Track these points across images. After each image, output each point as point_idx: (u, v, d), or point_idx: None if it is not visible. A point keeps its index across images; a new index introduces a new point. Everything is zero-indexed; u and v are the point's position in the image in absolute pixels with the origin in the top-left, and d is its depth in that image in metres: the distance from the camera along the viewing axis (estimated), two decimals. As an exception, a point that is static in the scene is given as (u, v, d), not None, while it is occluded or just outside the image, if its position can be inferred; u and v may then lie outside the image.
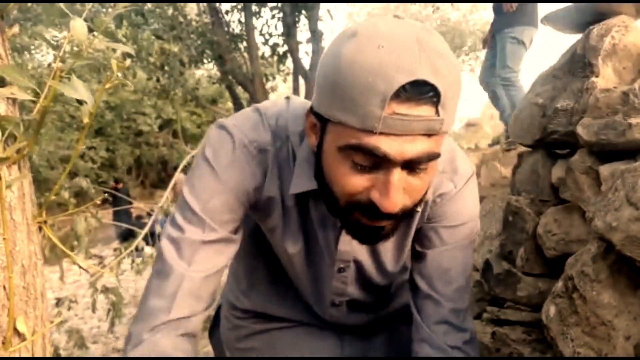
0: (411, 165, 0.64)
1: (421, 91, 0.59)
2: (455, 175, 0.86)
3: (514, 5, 3.42)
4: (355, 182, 0.66)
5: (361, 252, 0.89)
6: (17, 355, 0.86)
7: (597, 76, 1.35)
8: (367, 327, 1.06)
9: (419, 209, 0.83)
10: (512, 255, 1.61)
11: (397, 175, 0.64)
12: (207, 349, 3.55)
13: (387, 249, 0.90)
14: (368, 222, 0.69)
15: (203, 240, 0.77)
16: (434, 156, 0.65)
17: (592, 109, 1.26)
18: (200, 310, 0.78)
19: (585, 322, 1.16)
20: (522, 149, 1.84)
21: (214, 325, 1.18)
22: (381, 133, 0.60)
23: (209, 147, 0.79)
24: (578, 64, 1.43)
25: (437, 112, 0.61)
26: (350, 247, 0.87)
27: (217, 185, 0.78)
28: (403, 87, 0.58)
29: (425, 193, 0.72)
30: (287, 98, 0.87)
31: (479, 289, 1.85)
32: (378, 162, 0.63)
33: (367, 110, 0.59)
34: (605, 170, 1.21)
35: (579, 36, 1.54)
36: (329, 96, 0.64)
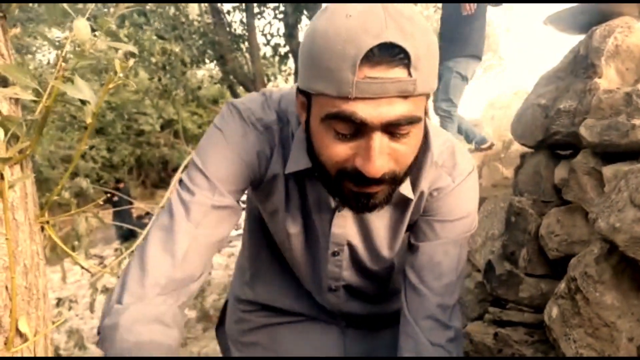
0: (392, 130, 0.65)
1: (391, 53, 0.60)
2: (454, 170, 0.86)
3: (473, 7, 3.40)
4: (340, 150, 0.68)
5: (354, 235, 0.89)
6: (19, 355, 0.85)
7: (600, 77, 1.35)
8: (370, 320, 1.05)
9: (412, 197, 0.84)
10: (515, 256, 1.61)
11: (378, 140, 0.65)
12: (207, 350, 3.55)
13: (380, 233, 0.90)
14: (358, 189, 0.70)
15: (213, 205, 0.78)
16: (413, 119, 0.65)
17: (595, 110, 1.25)
18: (199, 275, 0.79)
19: (588, 323, 1.16)
20: (523, 149, 1.83)
21: (221, 321, 1.19)
22: (356, 98, 0.62)
23: (221, 120, 0.82)
24: (581, 65, 1.43)
25: (409, 74, 0.62)
26: (344, 230, 0.88)
27: (229, 154, 0.80)
28: (372, 50, 0.60)
29: (415, 160, 0.73)
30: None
31: (481, 289, 1.85)
32: (358, 129, 0.65)
33: (341, 77, 0.61)
34: (608, 171, 1.20)
35: (581, 37, 1.54)
36: (308, 70, 0.66)
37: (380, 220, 0.88)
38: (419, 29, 0.63)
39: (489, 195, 2.22)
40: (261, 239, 1.00)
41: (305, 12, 5.82)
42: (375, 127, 0.64)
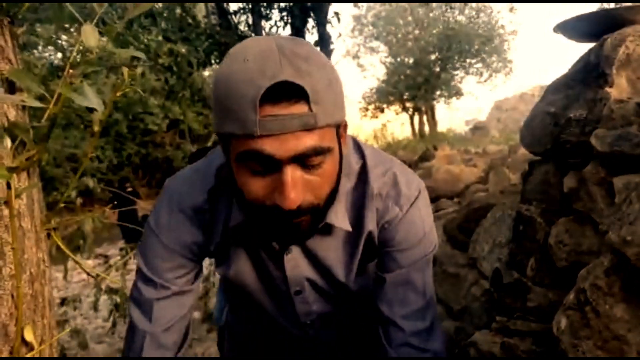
0: (303, 162, 0.69)
1: (289, 92, 0.64)
2: (400, 199, 0.89)
3: None
4: (257, 187, 0.71)
5: (310, 272, 0.93)
6: (24, 364, 0.85)
7: (610, 86, 1.33)
8: (348, 340, 1.11)
9: (349, 229, 0.88)
10: (523, 265, 1.59)
11: (290, 173, 0.68)
12: (211, 350, 3.55)
13: (334, 264, 0.93)
14: (283, 222, 0.73)
15: (157, 298, 0.88)
16: (321, 150, 0.69)
17: (606, 120, 1.24)
18: (176, 351, 0.92)
19: (597, 335, 1.14)
20: (531, 156, 1.82)
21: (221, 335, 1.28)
22: (262, 135, 0.65)
23: (153, 214, 0.90)
24: (591, 74, 1.41)
25: (309, 108, 0.65)
26: (299, 269, 0.92)
27: (161, 249, 0.88)
28: (270, 90, 0.63)
29: (334, 189, 0.76)
30: None
31: (488, 297, 1.84)
32: (268, 164, 0.68)
33: (244, 117, 0.65)
34: (619, 181, 1.19)
35: (591, 45, 1.52)
36: (217, 114, 0.70)
37: (332, 254, 0.92)
38: (316, 66, 0.67)
39: (497, 201, 2.20)
40: (235, 290, 1.06)
41: (312, 14, 5.81)
42: (284, 161, 0.67)
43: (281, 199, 0.68)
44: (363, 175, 0.88)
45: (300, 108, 0.65)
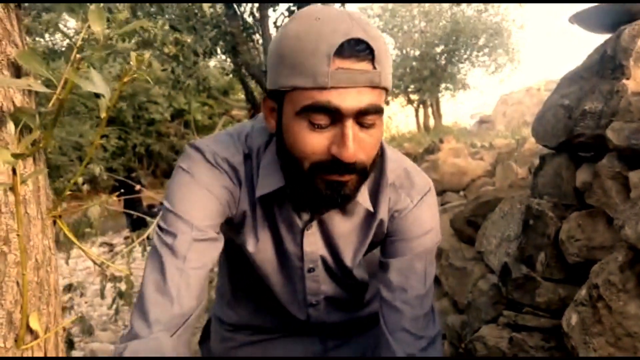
0: (361, 119, 0.72)
1: (358, 49, 0.69)
2: (412, 190, 0.93)
3: None
4: (315, 141, 0.73)
5: (324, 250, 0.95)
6: (29, 352, 0.84)
7: (627, 78, 1.30)
8: (347, 328, 1.11)
9: (372, 209, 0.90)
10: (532, 260, 1.57)
11: (351, 127, 0.72)
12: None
13: (345, 247, 0.96)
14: (333, 177, 0.76)
15: (194, 238, 0.82)
16: (379, 108, 0.73)
17: (623, 113, 1.21)
18: (195, 306, 0.82)
19: (609, 332, 1.12)
20: (537, 147, 1.79)
21: (204, 339, 1.24)
22: (331, 88, 0.69)
23: (186, 163, 0.86)
24: (608, 66, 1.38)
25: (374, 67, 0.70)
26: (315, 247, 0.94)
27: (199, 192, 0.84)
28: (342, 45, 0.68)
29: (378, 153, 0.80)
30: (254, 118, 0.95)
31: (495, 292, 1.82)
32: (332, 118, 0.71)
33: (316, 70, 0.68)
34: (635, 176, 1.16)
35: (607, 36, 1.49)
36: (282, 69, 0.72)
37: (345, 237, 0.94)
38: (378, 33, 0.73)
39: (505, 195, 2.18)
40: (238, 265, 1.04)
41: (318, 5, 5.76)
42: (348, 115, 0.71)
43: (341, 151, 0.71)
44: (380, 163, 0.91)
45: (366, 65, 0.70)
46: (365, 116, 0.72)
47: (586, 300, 1.20)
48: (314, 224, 0.91)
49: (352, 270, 0.99)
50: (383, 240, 0.97)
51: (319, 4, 0.76)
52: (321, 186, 0.77)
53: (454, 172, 4.15)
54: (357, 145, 0.73)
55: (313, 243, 0.93)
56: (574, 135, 1.42)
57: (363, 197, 0.88)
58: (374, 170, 0.84)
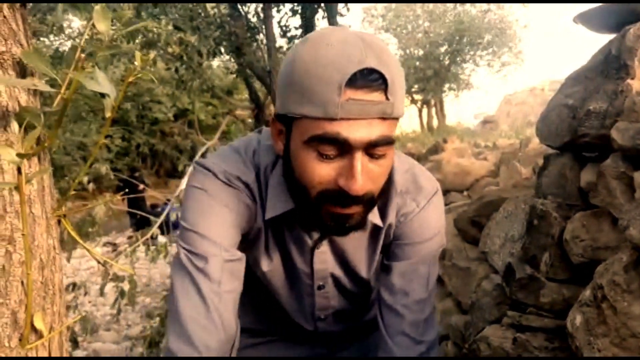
0: (370, 151, 0.71)
1: (371, 79, 0.67)
2: (418, 195, 0.92)
3: None
4: (323, 171, 0.72)
5: (335, 267, 0.95)
6: (34, 352, 0.84)
7: (632, 78, 1.30)
8: (351, 333, 1.12)
9: (382, 225, 0.89)
10: (536, 260, 1.57)
11: (360, 159, 0.70)
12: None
13: (358, 261, 0.96)
14: (338, 210, 0.75)
15: (225, 259, 0.81)
16: (390, 140, 0.72)
17: (628, 113, 1.21)
18: (236, 330, 0.81)
19: (614, 333, 1.12)
20: (541, 147, 1.79)
21: None
22: (341, 119, 0.67)
23: (197, 180, 0.84)
24: (612, 65, 1.38)
25: (387, 97, 0.68)
26: (326, 264, 0.93)
27: (219, 210, 0.82)
28: (355, 75, 0.66)
29: (387, 182, 0.78)
30: (259, 131, 0.94)
31: (499, 292, 1.81)
32: (341, 149, 0.70)
33: (326, 99, 0.66)
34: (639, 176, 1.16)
35: (611, 36, 1.49)
36: (291, 95, 0.71)
37: (357, 251, 0.94)
38: (392, 59, 0.70)
39: (509, 195, 2.17)
40: (244, 280, 1.03)
41: (322, 5, 5.76)
42: (357, 147, 0.69)
43: (350, 183, 0.70)
44: (389, 178, 0.89)
45: (379, 96, 0.68)
46: (376, 148, 0.71)
47: (590, 300, 1.19)
48: (325, 242, 0.90)
49: (370, 280, 0.99)
50: (387, 245, 0.97)
51: (331, 27, 0.74)
52: (326, 218, 0.77)
53: (457, 172, 4.14)
54: (366, 176, 0.72)
55: (323, 261, 0.93)
56: (578, 135, 1.41)
57: (373, 214, 0.87)
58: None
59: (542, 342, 1.47)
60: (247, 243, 0.91)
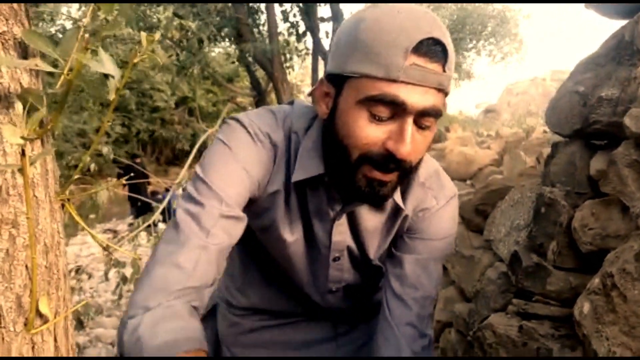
0: (420, 119, 0.72)
1: (435, 49, 0.69)
2: (440, 192, 0.94)
3: None
4: (372, 132, 0.72)
5: (351, 240, 0.95)
6: (39, 336, 0.83)
7: (646, 64, 1.27)
8: (358, 313, 1.13)
9: (403, 207, 0.90)
10: (543, 248, 1.56)
11: (411, 124, 0.72)
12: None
13: (372, 241, 0.96)
14: (375, 174, 0.75)
15: (221, 214, 0.78)
16: (439, 112, 0.73)
17: (641, 99, 1.19)
18: (212, 281, 0.78)
19: (623, 321, 1.11)
20: (544, 136, 1.77)
21: (205, 317, 1.19)
22: (402, 82, 0.68)
23: (227, 135, 0.84)
24: (625, 52, 1.35)
25: (444, 70, 0.71)
26: (343, 237, 0.93)
27: (235, 168, 0.82)
28: (421, 42, 0.68)
29: (417, 163, 0.79)
30: (291, 102, 0.94)
31: (504, 280, 1.81)
32: (394, 112, 0.71)
33: (391, 61, 0.68)
34: (652, 164, 1.14)
35: (620, 23, 1.46)
36: (352, 54, 0.72)
37: (371, 232, 0.94)
38: (450, 40, 0.72)
39: (514, 184, 2.15)
40: (251, 249, 1.02)
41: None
42: (411, 112, 0.70)
43: (399, 146, 0.71)
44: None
45: (438, 67, 0.70)
46: (425, 117, 0.72)
47: (599, 288, 1.18)
48: (344, 215, 0.90)
49: (374, 262, 0.99)
50: (399, 235, 0.97)
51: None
52: (361, 182, 0.77)
53: (460, 161, 4.12)
54: (412, 143, 0.73)
55: (341, 233, 0.93)
56: (589, 123, 1.39)
57: (396, 195, 0.87)
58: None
59: (548, 330, 1.47)
60: (258, 210, 0.89)
